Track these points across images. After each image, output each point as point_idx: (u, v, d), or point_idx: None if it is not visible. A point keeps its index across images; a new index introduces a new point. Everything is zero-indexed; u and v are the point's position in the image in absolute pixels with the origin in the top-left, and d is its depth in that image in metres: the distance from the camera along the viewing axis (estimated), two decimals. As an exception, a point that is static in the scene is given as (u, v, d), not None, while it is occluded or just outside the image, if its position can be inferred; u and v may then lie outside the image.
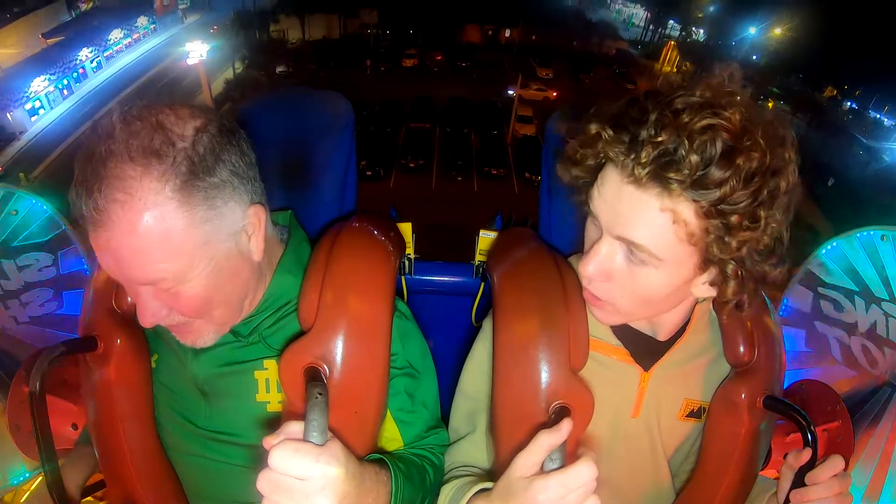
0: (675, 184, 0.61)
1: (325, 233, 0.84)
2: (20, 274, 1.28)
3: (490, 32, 32.97)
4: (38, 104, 19.03)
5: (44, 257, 1.28)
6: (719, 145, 0.61)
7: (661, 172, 0.62)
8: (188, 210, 0.64)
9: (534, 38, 24.67)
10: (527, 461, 0.67)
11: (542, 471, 0.66)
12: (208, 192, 0.65)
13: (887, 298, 1.17)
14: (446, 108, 21.20)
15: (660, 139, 0.62)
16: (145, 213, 0.62)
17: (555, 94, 23.47)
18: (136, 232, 0.62)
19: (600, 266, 0.71)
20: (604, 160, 0.69)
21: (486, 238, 1.20)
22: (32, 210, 1.27)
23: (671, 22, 32.99)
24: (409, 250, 1.20)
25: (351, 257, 0.79)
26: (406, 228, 1.14)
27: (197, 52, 18.93)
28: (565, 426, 0.67)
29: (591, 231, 0.75)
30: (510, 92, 21.92)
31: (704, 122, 0.61)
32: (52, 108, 19.67)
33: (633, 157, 0.63)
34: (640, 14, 38.22)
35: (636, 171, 0.63)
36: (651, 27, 34.36)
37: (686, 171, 0.61)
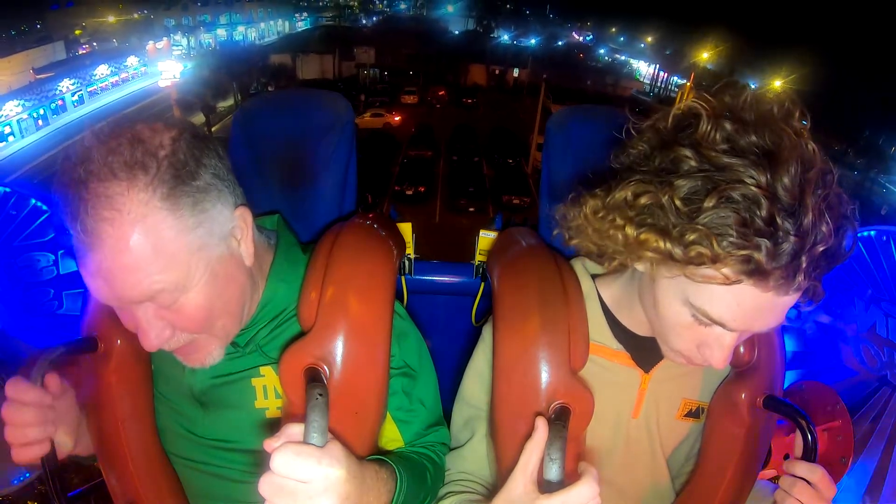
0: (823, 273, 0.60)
1: (326, 232, 0.84)
2: (20, 274, 1.28)
3: (497, 72, 32.64)
4: (7, 129, 18.13)
5: (44, 257, 1.28)
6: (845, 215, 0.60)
7: (817, 271, 0.59)
8: (178, 217, 0.64)
9: (545, 76, 24.54)
10: (523, 475, 0.67)
11: (542, 475, 0.65)
12: (196, 197, 0.65)
13: (887, 298, 1.17)
14: (452, 135, 20.24)
15: (817, 248, 0.57)
16: (136, 227, 0.61)
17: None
18: (127, 248, 0.61)
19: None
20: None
21: (486, 238, 1.19)
22: (32, 210, 1.27)
23: (675, 78, 33.58)
24: (410, 250, 1.20)
25: (351, 257, 0.79)
26: (406, 228, 1.14)
27: (170, 72, 17.75)
28: (541, 429, 0.68)
29: (683, 318, 0.69)
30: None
31: (840, 222, 0.59)
32: (23, 136, 18.82)
33: (785, 272, 0.58)
34: (643, 71, 38.57)
35: (798, 279, 0.58)
36: (660, 79, 34.85)
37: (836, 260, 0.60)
